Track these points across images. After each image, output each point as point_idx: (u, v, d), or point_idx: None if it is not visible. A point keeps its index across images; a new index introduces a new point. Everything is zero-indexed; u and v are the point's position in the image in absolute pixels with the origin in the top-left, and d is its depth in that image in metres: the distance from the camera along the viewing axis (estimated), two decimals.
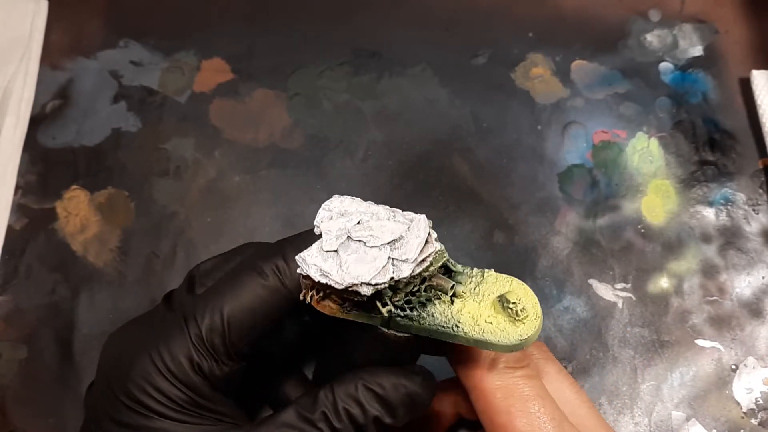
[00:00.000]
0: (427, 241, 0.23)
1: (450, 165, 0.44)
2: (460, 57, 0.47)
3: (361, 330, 0.26)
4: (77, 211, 0.42)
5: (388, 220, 0.24)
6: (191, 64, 0.47)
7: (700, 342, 0.40)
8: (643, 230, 0.42)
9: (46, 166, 0.44)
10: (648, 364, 0.39)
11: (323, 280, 0.23)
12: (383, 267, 0.23)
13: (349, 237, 0.23)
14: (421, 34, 0.48)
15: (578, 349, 0.39)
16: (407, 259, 0.23)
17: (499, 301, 0.25)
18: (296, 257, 0.23)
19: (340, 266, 0.23)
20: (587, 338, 0.40)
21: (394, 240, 0.23)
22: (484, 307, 0.25)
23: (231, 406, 0.28)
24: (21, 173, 0.43)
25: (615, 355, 0.39)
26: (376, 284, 0.22)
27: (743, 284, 0.41)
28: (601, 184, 0.44)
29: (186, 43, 0.47)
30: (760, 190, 0.44)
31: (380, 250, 0.23)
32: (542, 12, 0.49)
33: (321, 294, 0.24)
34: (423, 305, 0.25)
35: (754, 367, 0.39)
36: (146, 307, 0.40)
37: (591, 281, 0.41)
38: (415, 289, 0.25)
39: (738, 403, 0.38)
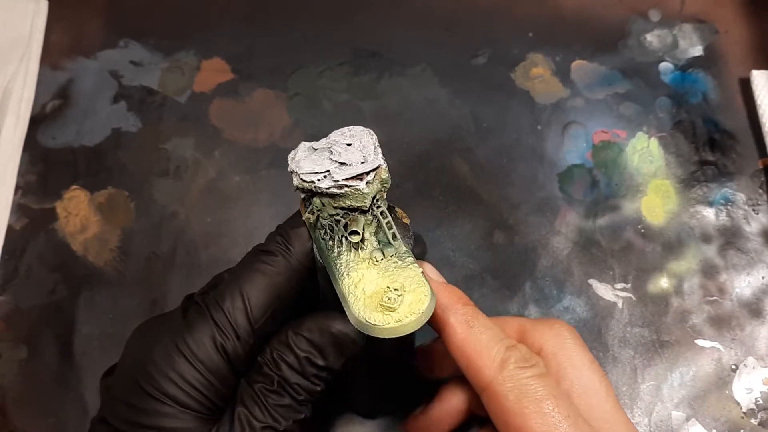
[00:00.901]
0: (357, 179, 0.26)
1: (450, 165, 0.44)
2: (460, 57, 0.47)
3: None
4: (77, 211, 0.42)
5: (340, 140, 0.28)
6: (191, 64, 0.47)
7: (700, 342, 0.40)
8: (643, 230, 0.42)
9: (46, 166, 0.44)
10: (648, 364, 0.39)
11: (288, 161, 0.27)
12: (318, 172, 0.26)
13: (330, 150, 0.27)
14: (421, 34, 0.48)
15: None
16: (332, 179, 0.26)
17: (387, 291, 0.25)
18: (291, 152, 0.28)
19: (300, 158, 0.27)
20: (587, 338, 0.40)
21: (343, 163, 0.27)
22: (377, 281, 0.26)
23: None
24: (21, 173, 0.43)
25: (615, 355, 0.39)
26: (304, 179, 0.26)
27: (743, 284, 0.41)
28: (601, 184, 0.44)
29: (186, 43, 0.47)
30: (760, 190, 0.44)
31: (331, 162, 0.27)
32: (542, 12, 0.49)
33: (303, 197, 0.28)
34: (339, 241, 0.27)
35: (754, 367, 0.39)
36: (146, 307, 0.40)
37: (591, 281, 0.41)
38: (337, 218, 0.27)
39: (738, 403, 0.38)
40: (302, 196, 0.28)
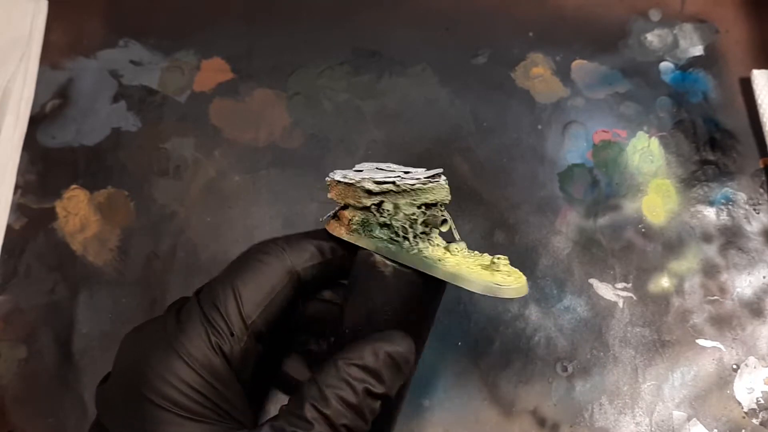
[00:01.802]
0: (434, 178, 0.28)
1: (450, 165, 0.44)
2: (460, 57, 0.47)
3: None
4: (77, 211, 0.42)
5: (409, 168, 0.29)
6: (191, 64, 0.47)
7: (701, 342, 0.40)
8: (643, 230, 0.42)
9: (45, 166, 0.43)
10: (649, 364, 0.39)
11: (340, 179, 0.28)
12: (394, 176, 0.27)
13: (377, 168, 0.29)
14: (421, 34, 0.48)
15: (579, 349, 0.39)
16: (415, 177, 0.27)
17: (489, 264, 0.27)
18: (330, 173, 0.29)
19: (361, 173, 0.28)
20: (588, 338, 0.39)
21: (409, 171, 0.28)
22: (471, 263, 0.27)
23: (243, 400, 0.28)
24: (21, 173, 0.43)
25: (616, 354, 0.39)
26: (382, 182, 0.27)
27: (744, 284, 0.41)
28: (602, 184, 0.44)
29: (186, 43, 0.47)
30: (761, 190, 0.44)
31: (395, 171, 0.28)
32: (542, 12, 0.49)
33: (334, 213, 0.29)
34: (417, 238, 0.27)
35: (755, 367, 0.39)
36: (146, 307, 0.40)
37: (592, 281, 0.41)
38: (414, 218, 0.28)
39: (739, 403, 0.38)
40: (344, 210, 0.29)
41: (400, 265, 0.27)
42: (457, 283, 0.26)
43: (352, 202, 0.28)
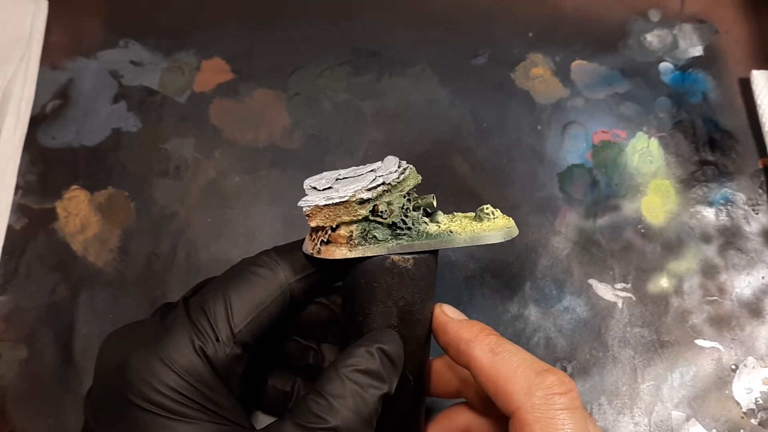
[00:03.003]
0: (399, 165, 0.29)
1: (450, 165, 0.44)
2: (460, 57, 0.47)
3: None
4: (77, 211, 0.42)
5: (362, 167, 0.30)
6: (191, 64, 0.47)
7: (700, 342, 0.40)
8: (643, 230, 0.42)
9: (46, 166, 0.44)
10: (648, 364, 0.39)
11: (329, 202, 0.27)
12: (372, 179, 0.28)
13: (337, 179, 0.29)
14: (421, 34, 0.48)
15: (578, 349, 0.39)
16: (389, 171, 0.28)
17: (475, 216, 0.30)
18: (300, 202, 0.28)
19: (338, 191, 0.28)
20: (587, 338, 0.40)
21: (373, 170, 0.29)
22: (465, 224, 0.30)
23: (232, 402, 0.27)
24: (21, 173, 0.43)
25: (615, 355, 0.39)
26: (373, 187, 0.27)
27: (743, 284, 0.41)
28: (601, 184, 0.44)
29: (186, 43, 0.47)
30: (760, 190, 0.44)
31: (365, 175, 0.28)
32: (542, 12, 0.49)
33: (326, 237, 0.28)
34: (417, 223, 0.29)
35: (753, 367, 0.39)
36: (146, 307, 0.40)
37: (591, 281, 0.41)
38: (405, 208, 0.29)
39: (738, 403, 0.38)
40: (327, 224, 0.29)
41: (417, 253, 0.28)
42: (479, 242, 0.29)
43: (347, 218, 0.28)
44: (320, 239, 0.29)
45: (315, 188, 0.29)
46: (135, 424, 0.25)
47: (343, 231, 0.28)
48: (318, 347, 0.34)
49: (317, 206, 0.28)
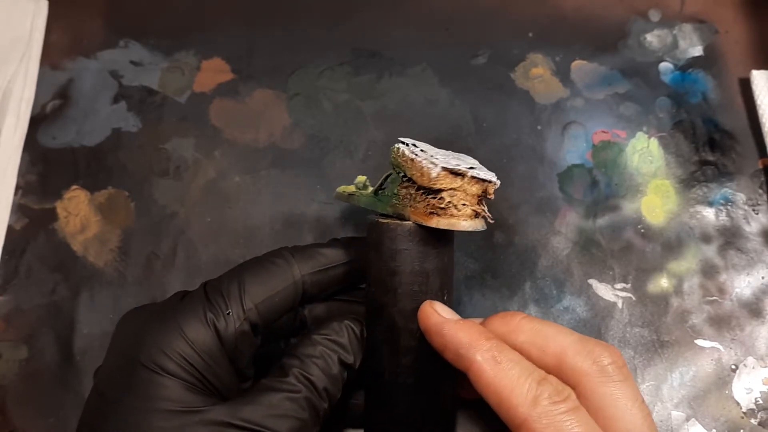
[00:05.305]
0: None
1: None
2: (460, 57, 0.47)
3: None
4: (77, 211, 0.42)
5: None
6: (191, 64, 0.47)
7: (699, 342, 0.40)
8: (642, 230, 0.42)
9: (46, 166, 0.44)
10: (648, 364, 0.39)
11: (476, 174, 0.30)
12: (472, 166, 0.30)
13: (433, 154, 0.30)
14: (421, 34, 0.48)
15: None
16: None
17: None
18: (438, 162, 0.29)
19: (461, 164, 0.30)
20: None
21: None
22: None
23: (233, 379, 0.29)
24: (21, 173, 0.43)
25: None
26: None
27: (743, 284, 0.41)
28: (601, 184, 0.44)
29: (186, 43, 0.47)
30: (760, 190, 0.44)
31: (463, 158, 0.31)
32: (542, 12, 0.49)
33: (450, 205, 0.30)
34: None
35: (753, 367, 0.39)
36: None
37: (591, 281, 0.41)
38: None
39: (738, 403, 0.38)
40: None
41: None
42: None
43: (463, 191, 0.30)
44: (438, 207, 0.29)
45: (424, 151, 0.30)
46: (138, 381, 0.27)
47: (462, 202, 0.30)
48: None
49: (454, 171, 0.29)
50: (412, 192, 0.30)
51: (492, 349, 0.27)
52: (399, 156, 0.30)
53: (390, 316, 0.30)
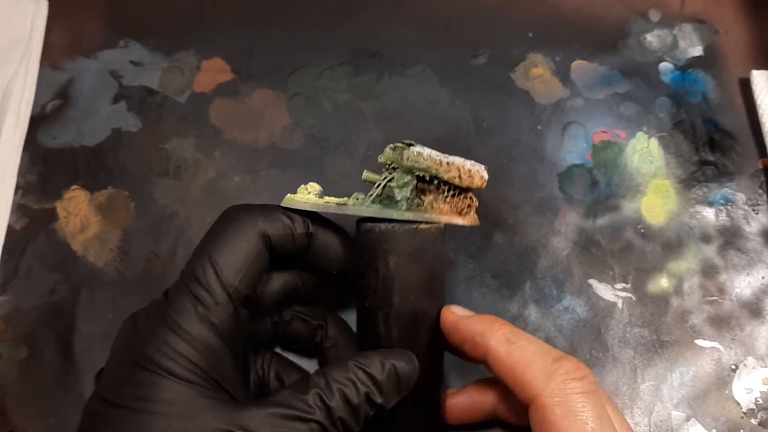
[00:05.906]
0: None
1: None
2: (460, 57, 0.47)
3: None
4: (77, 211, 0.42)
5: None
6: (191, 64, 0.47)
7: (699, 342, 0.40)
8: (642, 230, 0.42)
9: (46, 166, 0.44)
10: (648, 364, 0.39)
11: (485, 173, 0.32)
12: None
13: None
14: (421, 34, 0.48)
15: (578, 349, 0.39)
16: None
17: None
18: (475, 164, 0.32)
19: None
20: (587, 338, 0.40)
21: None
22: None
23: (235, 373, 0.28)
24: (21, 173, 0.43)
25: (615, 355, 0.39)
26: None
27: (743, 284, 0.41)
28: (601, 184, 0.44)
29: (186, 43, 0.47)
30: (760, 190, 0.44)
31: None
32: (542, 12, 0.49)
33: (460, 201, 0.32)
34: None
35: (753, 367, 0.39)
36: None
37: (591, 281, 0.41)
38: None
39: (738, 403, 0.38)
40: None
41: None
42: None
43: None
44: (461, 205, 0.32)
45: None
46: (140, 384, 0.26)
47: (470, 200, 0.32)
48: (326, 323, 0.35)
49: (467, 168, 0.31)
50: (434, 193, 0.30)
51: (506, 332, 0.28)
52: (418, 158, 0.31)
53: (426, 320, 0.31)
